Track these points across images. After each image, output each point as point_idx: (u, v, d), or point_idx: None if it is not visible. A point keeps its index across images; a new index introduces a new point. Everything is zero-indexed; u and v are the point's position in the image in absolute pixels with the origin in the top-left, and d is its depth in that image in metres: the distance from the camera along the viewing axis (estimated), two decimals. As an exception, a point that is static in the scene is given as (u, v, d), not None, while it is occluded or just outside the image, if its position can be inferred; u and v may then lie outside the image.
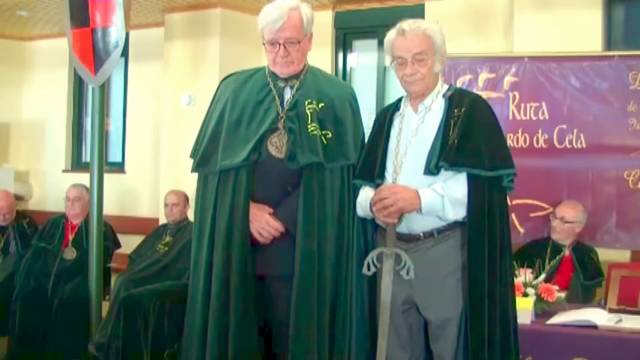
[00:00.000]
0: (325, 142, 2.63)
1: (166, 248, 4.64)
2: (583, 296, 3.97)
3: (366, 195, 2.62)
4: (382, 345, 2.53)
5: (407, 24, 2.58)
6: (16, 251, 4.92)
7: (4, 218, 5.02)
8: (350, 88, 2.93)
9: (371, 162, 2.64)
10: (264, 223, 2.59)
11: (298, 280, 2.56)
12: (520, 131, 4.49)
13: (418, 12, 5.33)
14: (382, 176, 2.59)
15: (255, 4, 5.45)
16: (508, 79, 4.55)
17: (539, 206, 4.47)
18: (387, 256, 2.54)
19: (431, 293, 2.56)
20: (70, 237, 4.70)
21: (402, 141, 2.61)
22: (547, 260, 3.62)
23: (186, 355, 2.75)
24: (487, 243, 2.48)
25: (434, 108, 2.62)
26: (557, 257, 4.00)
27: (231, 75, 2.86)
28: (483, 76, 4.59)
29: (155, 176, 6.23)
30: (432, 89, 2.64)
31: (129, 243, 4.97)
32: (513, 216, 4.35)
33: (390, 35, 2.62)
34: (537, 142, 4.48)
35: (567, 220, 4.09)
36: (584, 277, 4.03)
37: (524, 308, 3.07)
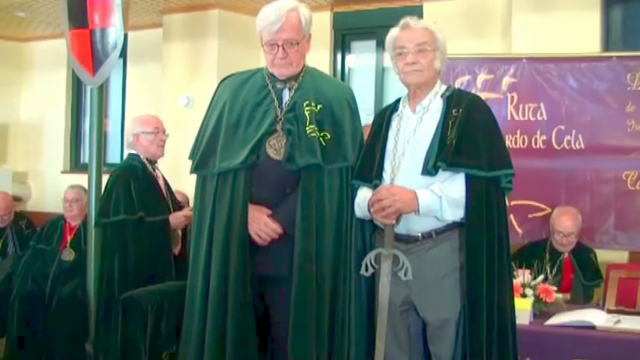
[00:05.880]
0: (324, 143, 2.62)
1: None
2: (582, 297, 3.97)
3: (363, 196, 2.61)
4: (380, 346, 2.52)
5: (410, 19, 2.61)
6: (14, 252, 4.92)
7: (2, 219, 5.02)
8: (348, 89, 2.92)
9: (369, 163, 2.63)
10: (262, 224, 2.58)
11: (297, 281, 2.55)
12: (518, 132, 4.49)
13: (417, 13, 5.34)
14: (380, 177, 2.59)
15: (254, 5, 5.45)
16: (506, 80, 4.54)
17: (537, 207, 4.46)
18: (384, 257, 2.53)
19: (429, 294, 2.55)
20: (69, 238, 4.68)
21: (400, 141, 2.60)
22: (546, 261, 3.62)
23: (184, 356, 2.75)
24: (485, 244, 2.47)
25: (432, 108, 2.61)
26: (558, 260, 3.99)
27: (230, 76, 2.85)
28: (482, 77, 4.58)
29: (154, 177, 6.22)
30: (431, 89, 2.63)
31: (127, 244, 4.95)
32: (512, 217, 4.35)
33: (393, 32, 2.63)
34: (536, 143, 4.48)
35: (567, 234, 4.07)
36: (584, 279, 4.04)
37: (523, 309, 3.07)
